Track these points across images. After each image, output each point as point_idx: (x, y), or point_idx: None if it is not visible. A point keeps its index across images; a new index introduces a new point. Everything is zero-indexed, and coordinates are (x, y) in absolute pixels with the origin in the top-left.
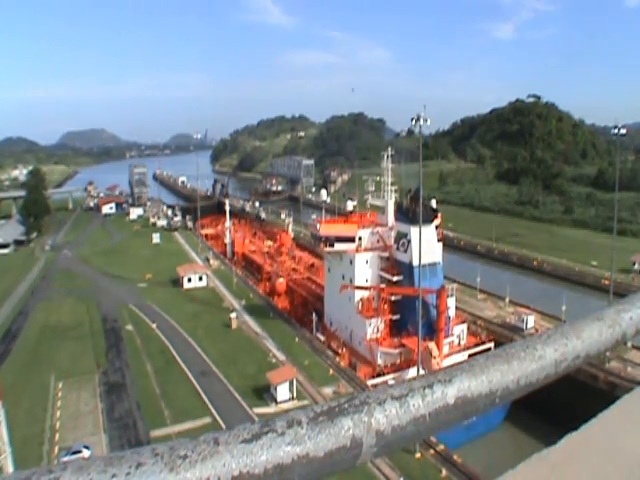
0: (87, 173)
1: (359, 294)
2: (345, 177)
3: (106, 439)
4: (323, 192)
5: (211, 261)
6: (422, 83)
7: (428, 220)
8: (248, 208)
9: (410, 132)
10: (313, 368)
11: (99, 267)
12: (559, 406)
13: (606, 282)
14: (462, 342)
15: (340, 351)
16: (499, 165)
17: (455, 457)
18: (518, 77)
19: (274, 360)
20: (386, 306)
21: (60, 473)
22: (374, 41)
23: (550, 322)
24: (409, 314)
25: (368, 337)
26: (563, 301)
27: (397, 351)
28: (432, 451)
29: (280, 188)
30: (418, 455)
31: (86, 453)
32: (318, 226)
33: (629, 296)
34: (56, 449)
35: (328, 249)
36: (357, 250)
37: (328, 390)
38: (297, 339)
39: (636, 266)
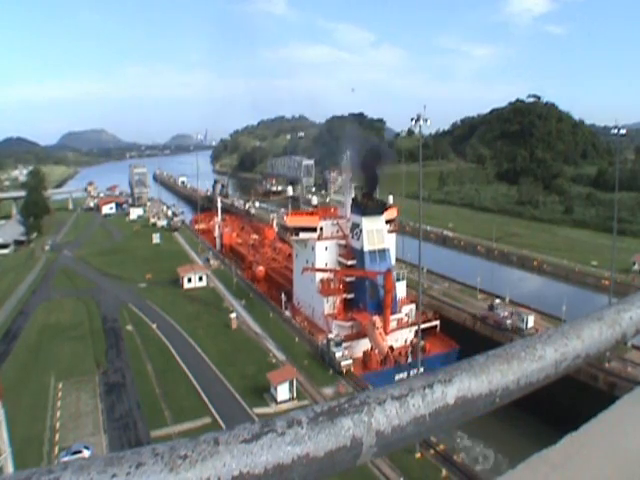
0: (87, 173)
1: (319, 276)
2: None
3: (106, 439)
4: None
5: (211, 261)
6: (426, 81)
7: (377, 212)
8: (248, 208)
9: (410, 132)
10: (313, 368)
11: (99, 267)
12: (559, 406)
13: (606, 282)
14: (411, 319)
15: (302, 324)
16: (499, 165)
17: (455, 457)
18: (519, 76)
19: (274, 360)
20: (341, 286)
21: (60, 473)
22: (375, 34)
23: (550, 322)
24: (361, 293)
25: (326, 312)
26: (563, 301)
27: (349, 324)
28: (432, 451)
29: (280, 188)
30: (418, 455)
31: (86, 453)
32: (285, 218)
33: (629, 296)
34: (56, 449)
35: (294, 237)
36: (318, 238)
37: (328, 390)
38: (297, 339)
39: (636, 266)
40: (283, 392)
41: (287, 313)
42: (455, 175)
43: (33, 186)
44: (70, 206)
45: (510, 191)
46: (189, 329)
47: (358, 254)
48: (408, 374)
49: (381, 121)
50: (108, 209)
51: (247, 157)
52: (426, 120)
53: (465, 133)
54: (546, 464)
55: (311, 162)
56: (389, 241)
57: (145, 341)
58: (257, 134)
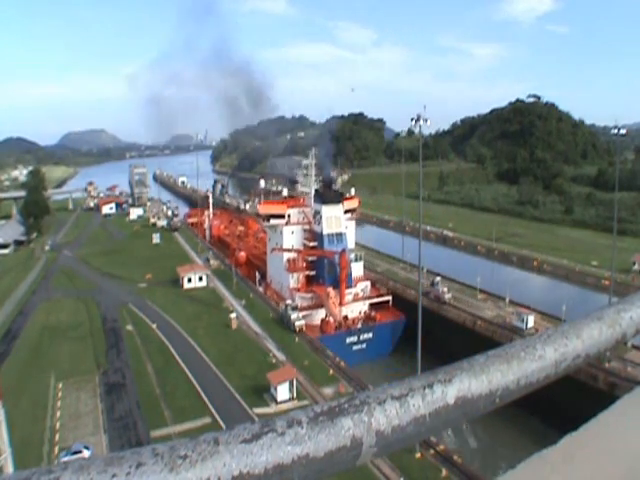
0: (87, 173)
1: (286, 256)
2: (345, 177)
3: (106, 439)
4: (284, 190)
5: (211, 261)
6: (427, 81)
7: (335, 201)
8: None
9: (410, 132)
10: (313, 368)
11: (99, 267)
12: (559, 406)
13: (606, 282)
14: (365, 294)
15: (272, 296)
16: (499, 165)
17: (455, 457)
18: (519, 76)
19: (274, 360)
20: (304, 264)
21: (60, 473)
22: (377, 32)
23: (550, 322)
24: (321, 270)
25: (291, 286)
26: (563, 301)
27: (309, 296)
28: (432, 451)
29: (280, 188)
30: (418, 455)
31: (86, 453)
32: (258, 207)
33: (629, 296)
34: (56, 449)
35: (265, 223)
36: (286, 224)
37: (328, 390)
38: (297, 339)
39: (636, 266)
40: (283, 392)
41: (260, 288)
42: (455, 175)
43: (33, 186)
44: (70, 206)
45: (510, 191)
46: (189, 329)
47: (319, 237)
48: (358, 337)
49: (381, 121)
50: (108, 209)
51: (247, 157)
52: (426, 120)
53: (465, 133)
54: (546, 464)
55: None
56: (347, 226)
57: (145, 341)
58: (257, 134)
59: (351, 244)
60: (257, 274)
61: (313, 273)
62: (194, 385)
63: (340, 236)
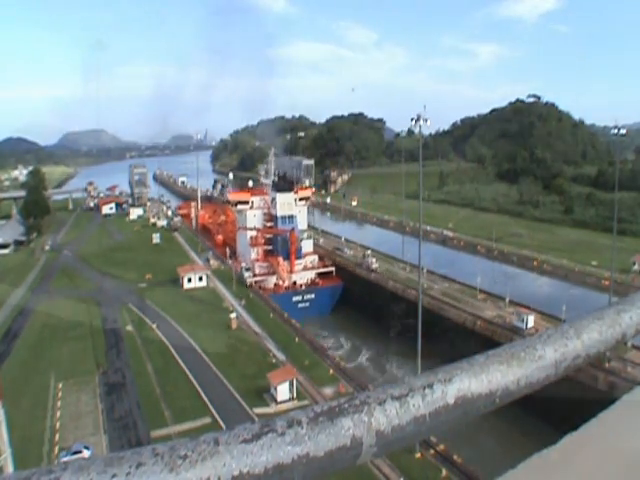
0: (87, 173)
1: (249, 234)
2: (345, 177)
3: (106, 439)
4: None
5: (211, 261)
6: (427, 81)
7: (287, 189)
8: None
9: (410, 132)
10: (313, 368)
11: (99, 267)
12: (559, 406)
13: (606, 282)
14: (313, 265)
15: (238, 266)
16: (499, 165)
17: (455, 457)
18: (519, 76)
19: (274, 360)
20: (263, 240)
21: (60, 473)
22: (378, 33)
23: (550, 322)
24: (276, 245)
25: (252, 258)
26: (563, 301)
27: (266, 264)
28: (432, 451)
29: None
30: (418, 455)
31: (86, 453)
32: (228, 195)
33: (629, 296)
34: (56, 449)
35: (234, 208)
36: (250, 208)
37: (328, 390)
38: (297, 339)
39: (636, 266)
40: (283, 392)
41: (229, 261)
42: (455, 175)
43: (33, 186)
44: (70, 206)
45: (510, 191)
46: (189, 329)
47: (274, 218)
48: (302, 297)
49: (381, 121)
50: (108, 209)
51: (247, 157)
52: (426, 120)
53: (465, 133)
54: (546, 464)
55: (311, 162)
56: (299, 211)
57: (145, 341)
58: (257, 134)
59: (302, 225)
60: (227, 250)
61: (270, 247)
62: (194, 385)
63: (291, 218)
